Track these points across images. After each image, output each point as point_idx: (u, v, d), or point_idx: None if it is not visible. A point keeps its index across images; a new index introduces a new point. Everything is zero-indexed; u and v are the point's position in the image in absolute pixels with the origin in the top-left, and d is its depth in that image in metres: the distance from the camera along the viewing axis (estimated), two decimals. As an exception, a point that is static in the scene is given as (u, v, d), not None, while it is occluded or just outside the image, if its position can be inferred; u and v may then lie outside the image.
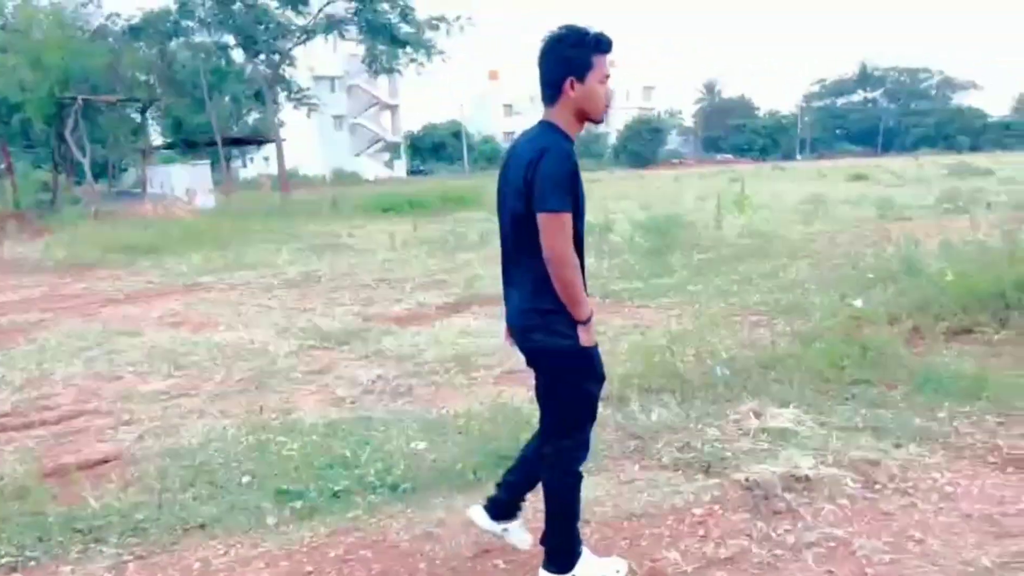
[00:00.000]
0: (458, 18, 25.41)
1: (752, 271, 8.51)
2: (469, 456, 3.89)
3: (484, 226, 13.49)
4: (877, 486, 3.52)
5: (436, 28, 25.84)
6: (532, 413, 3.44)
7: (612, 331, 6.29)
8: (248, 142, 34.13)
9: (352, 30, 26.66)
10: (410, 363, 5.79)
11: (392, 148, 66.02)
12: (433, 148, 68.06)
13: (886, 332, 5.43)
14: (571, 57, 2.51)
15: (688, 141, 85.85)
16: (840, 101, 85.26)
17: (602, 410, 4.53)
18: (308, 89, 33.05)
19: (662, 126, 73.04)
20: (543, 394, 2.71)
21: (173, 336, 6.92)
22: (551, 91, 2.54)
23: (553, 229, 2.40)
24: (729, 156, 71.26)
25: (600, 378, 2.68)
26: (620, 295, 7.42)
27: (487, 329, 6.61)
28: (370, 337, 6.62)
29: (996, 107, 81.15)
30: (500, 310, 2.93)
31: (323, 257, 12.14)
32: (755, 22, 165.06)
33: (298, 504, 3.55)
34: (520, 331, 2.67)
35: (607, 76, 2.54)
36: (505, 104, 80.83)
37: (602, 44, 2.52)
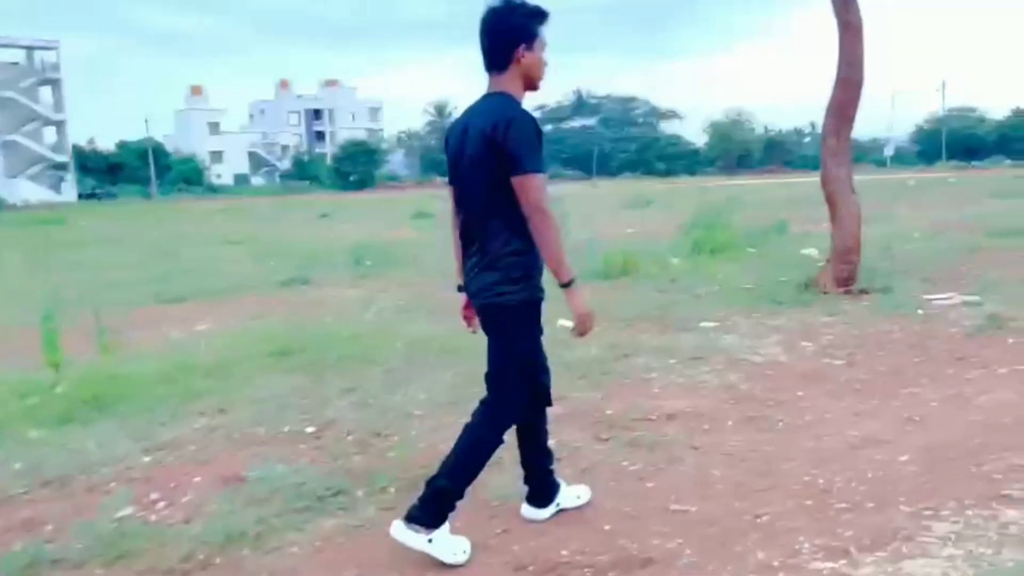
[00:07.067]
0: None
1: None
2: None
3: None
4: None
5: None
6: None
7: None
8: None
9: None
10: None
11: (61, 169, 58.25)
12: (109, 169, 60.86)
13: None
14: (521, 26, 2.68)
15: (414, 163, 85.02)
16: (560, 127, 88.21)
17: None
18: None
19: (378, 147, 71.33)
20: (491, 349, 2.82)
21: None
22: (501, 58, 2.68)
23: (535, 188, 2.58)
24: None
25: (539, 332, 2.83)
26: None
27: None
28: None
29: (698, 135, 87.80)
30: None
31: None
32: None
33: None
34: (477, 290, 2.77)
35: (545, 45, 2.73)
36: (211, 122, 75.07)
37: (544, 15, 2.71)
